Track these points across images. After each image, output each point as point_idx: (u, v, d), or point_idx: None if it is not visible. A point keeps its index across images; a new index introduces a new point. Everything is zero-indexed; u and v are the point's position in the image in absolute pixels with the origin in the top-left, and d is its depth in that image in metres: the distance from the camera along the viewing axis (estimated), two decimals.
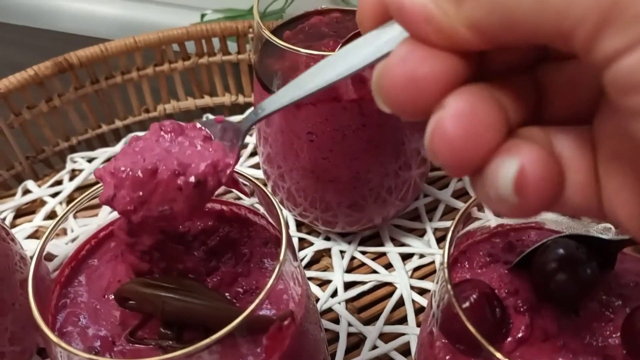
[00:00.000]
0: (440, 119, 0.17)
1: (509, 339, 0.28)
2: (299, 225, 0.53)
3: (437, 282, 0.28)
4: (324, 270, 0.50)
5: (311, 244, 0.51)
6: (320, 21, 0.46)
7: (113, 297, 0.28)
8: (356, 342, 0.45)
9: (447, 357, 0.27)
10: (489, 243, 0.32)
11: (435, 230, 0.51)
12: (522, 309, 0.28)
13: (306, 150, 0.43)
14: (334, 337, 0.45)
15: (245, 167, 0.58)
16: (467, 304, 0.27)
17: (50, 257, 0.50)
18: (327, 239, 0.52)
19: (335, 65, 0.20)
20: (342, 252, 0.51)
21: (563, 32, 0.15)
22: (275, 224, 0.32)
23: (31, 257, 0.28)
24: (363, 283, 0.48)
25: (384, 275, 0.48)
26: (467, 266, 0.31)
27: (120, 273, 0.30)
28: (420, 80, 0.17)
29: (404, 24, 0.18)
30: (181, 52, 0.59)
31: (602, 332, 0.28)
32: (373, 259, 0.50)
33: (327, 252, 0.51)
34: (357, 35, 0.45)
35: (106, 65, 0.58)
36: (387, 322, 0.46)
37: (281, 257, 0.27)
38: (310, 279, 0.49)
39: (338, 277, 0.49)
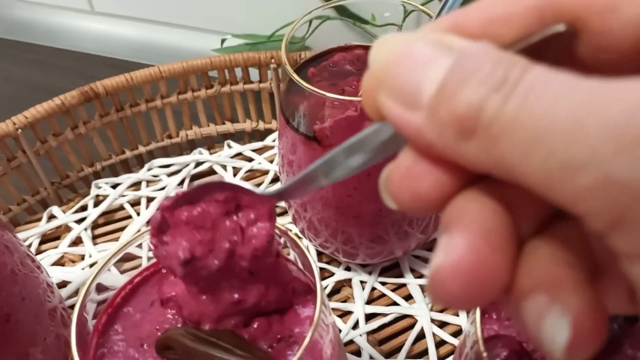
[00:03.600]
0: (438, 270, 0.16)
1: None
2: (320, 255, 0.54)
3: (464, 338, 0.28)
4: (345, 301, 0.51)
5: (332, 274, 0.52)
6: (344, 58, 0.47)
7: (153, 346, 0.29)
8: None
9: None
10: None
11: None
12: None
13: (331, 187, 0.44)
14: None
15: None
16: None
17: (64, 283, 0.52)
18: (348, 269, 0.52)
19: (344, 164, 0.20)
20: (362, 282, 0.51)
21: (573, 211, 0.14)
22: (306, 272, 0.32)
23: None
24: (384, 315, 0.49)
25: (404, 308, 0.49)
26: (494, 317, 0.31)
27: (159, 321, 0.31)
28: (423, 195, 0.17)
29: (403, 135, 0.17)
30: (204, 81, 0.60)
31: None
32: (393, 290, 0.51)
33: (347, 282, 0.52)
34: None
35: (131, 93, 0.59)
36: (408, 356, 0.46)
37: (316, 316, 0.28)
38: (331, 309, 0.50)
39: (359, 308, 0.49)
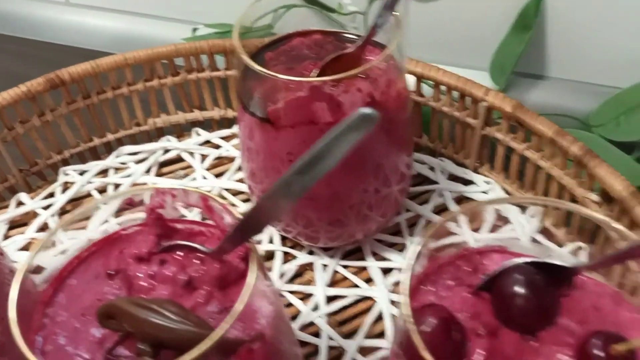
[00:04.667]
0: None
1: None
2: (284, 239, 0.54)
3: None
4: (307, 284, 0.51)
5: (295, 257, 0.53)
6: (302, 43, 0.48)
7: (95, 314, 0.30)
8: (336, 356, 0.46)
9: None
10: (453, 266, 0.33)
11: None
12: (481, 333, 0.29)
13: (286, 169, 0.44)
14: (314, 351, 0.47)
15: (232, 181, 0.59)
16: (425, 330, 0.28)
17: (39, 270, 0.52)
18: (311, 252, 0.53)
19: None
20: (324, 266, 0.52)
21: None
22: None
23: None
24: (344, 297, 0.50)
25: (364, 290, 0.50)
26: (432, 289, 0.32)
27: (100, 292, 0.31)
28: None
29: None
30: (170, 68, 0.61)
31: (560, 357, 0.29)
32: (354, 273, 0.51)
33: (310, 266, 0.52)
34: (338, 58, 0.46)
35: (97, 80, 0.59)
36: (367, 336, 0.47)
37: (250, 279, 0.28)
38: (293, 292, 0.50)
39: (320, 291, 0.50)
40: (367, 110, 0.26)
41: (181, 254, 0.34)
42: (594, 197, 0.46)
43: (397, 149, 0.46)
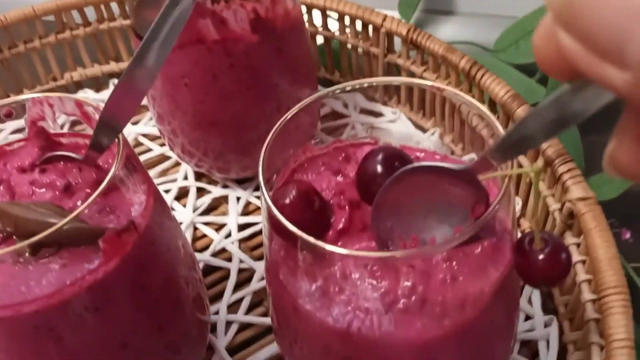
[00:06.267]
0: None
1: (330, 232, 0.30)
2: (200, 176, 0.55)
3: None
4: (222, 216, 0.52)
5: (209, 192, 0.54)
6: None
7: None
8: (248, 277, 0.48)
9: (282, 253, 0.30)
10: (327, 156, 0.35)
11: None
12: (344, 205, 0.31)
13: (183, 95, 0.45)
14: (226, 275, 0.48)
15: (149, 126, 0.60)
16: (283, 201, 0.29)
17: None
18: (225, 187, 0.54)
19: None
20: (238, 198, 0.53)
21: None
22: None
23: None
24: (256, 224, 0.51)
25: None
26: (303, 176, 0.34)
27: None
28: None
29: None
30: (82, 19, 0.61)
31: None
32: None
33: (225, 199, 0.54)
34: None
35: (8, 34, 0.59)
36: None
37: (113, 168, 0.29)
38: (207, 224, 0.52)
39: (232, 219, 0.51)
40: None
41: (62, 163, 0.35)
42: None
43: (294, 73, 0.48)
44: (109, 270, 0.30)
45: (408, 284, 0.26)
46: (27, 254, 0.30)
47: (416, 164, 0.29)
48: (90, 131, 0.35)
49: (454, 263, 0.26)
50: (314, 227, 0.30)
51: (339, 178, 0.33)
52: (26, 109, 0.35)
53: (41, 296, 0.29)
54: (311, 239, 0.26)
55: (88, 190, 0.33)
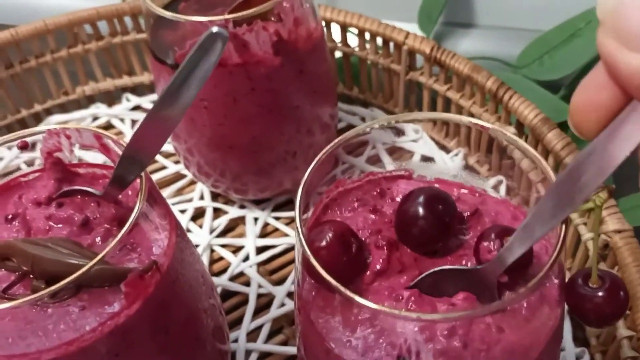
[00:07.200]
0: None
1: (368, 273, 0.29)
2: (216, 196, 0.54)
3: None
4: (239, 237, 0.51)
5: (226, 212, 0.52)
6: None
7: None
8: (267, 302, 0.47)
9: (313, 293, 0.29)
10: (360, 191, 0.33)
11: None
12: (382, 245, 0.29)
13: (202, 117, 0.44)
14: (245, 300, 0.47)
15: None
16: (319, 244, 0.28)
17: None
18: (242, 207, 0.53)
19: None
20: (255, 219, 0.52)
21: None
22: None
23: None
24: (274, 247, 0.50)
25: (294, 238, 0.50)
26: (337, 212, 0.32)
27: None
28: None
29: None
30: (94, 33, 0.60)
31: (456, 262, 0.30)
32: (286, 224, 0.52)
33: (241, 219, 0.52)
34: (247, 1, 0.46)
35: (19, 49, 0.58)
36: None
37: (137, 206, 0.28)
38: (224, 246, 0.50)
39: (250, 242, 0.50)
40: (215, 28, 0.26)
41: (79, 197, 0.33)
42: (511, 129, 0.46)
43: (314, 94, 0.46)
44: (130, 314, 0.28)
45: (456, 344, 0.25)
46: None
47: (444, 268, 0.29)
48: (109, 163, 0.34)
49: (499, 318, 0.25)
50: (350, 269, 0.29)
51: (375, 216, 0.31)
52: (42, 141, 0.33)
53: (60, 344, 0.27)
54: (348, 292, 0.24)
55: (107, 226, 0.32)
